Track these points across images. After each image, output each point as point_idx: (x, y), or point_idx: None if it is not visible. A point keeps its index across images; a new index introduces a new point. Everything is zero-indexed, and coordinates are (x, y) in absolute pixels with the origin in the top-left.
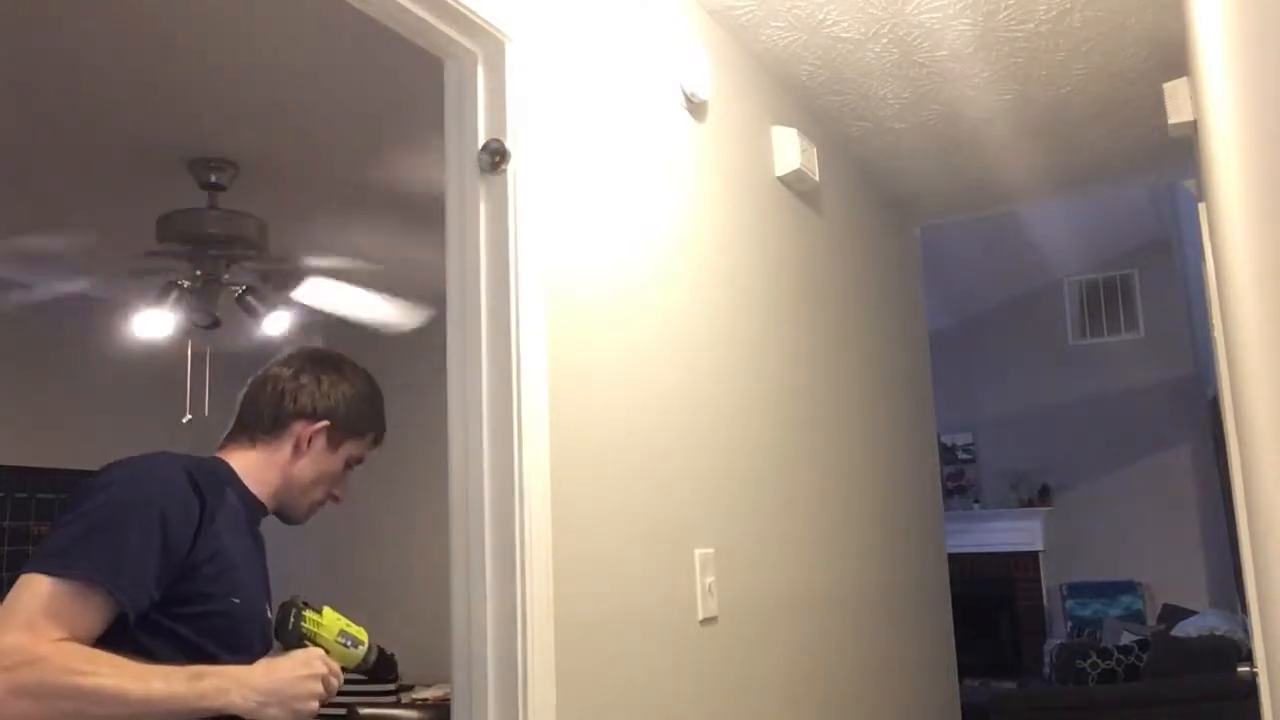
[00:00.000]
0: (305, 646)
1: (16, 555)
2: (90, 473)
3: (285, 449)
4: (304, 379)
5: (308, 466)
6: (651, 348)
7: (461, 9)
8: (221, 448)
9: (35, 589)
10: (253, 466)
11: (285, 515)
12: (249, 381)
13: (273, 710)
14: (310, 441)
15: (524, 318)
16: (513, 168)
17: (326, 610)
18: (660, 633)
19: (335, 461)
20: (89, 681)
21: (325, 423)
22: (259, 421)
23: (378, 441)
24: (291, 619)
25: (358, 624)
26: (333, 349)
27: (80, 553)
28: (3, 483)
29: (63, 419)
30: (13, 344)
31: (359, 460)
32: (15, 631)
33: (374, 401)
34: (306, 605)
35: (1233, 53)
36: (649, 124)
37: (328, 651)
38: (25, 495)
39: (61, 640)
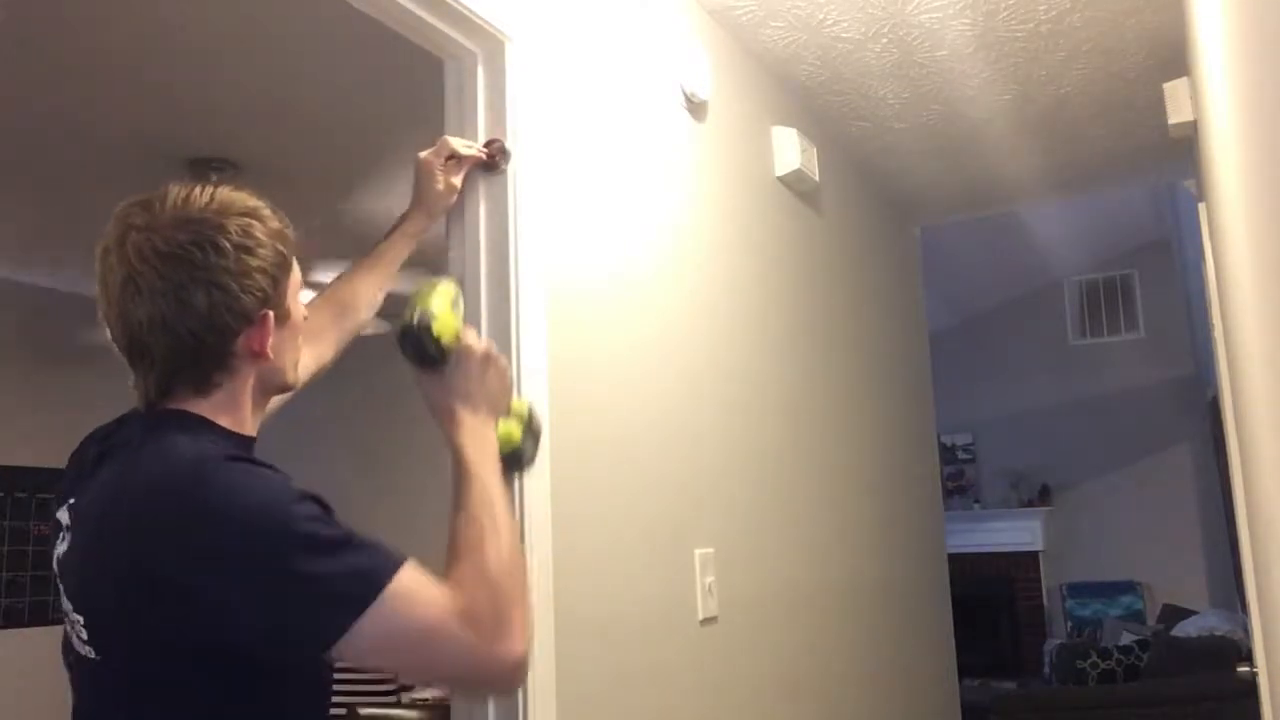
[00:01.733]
0: (449, 356)
1: (16, 555)
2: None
3: (245, 367)
4: (194, 293)
5: (277, 355)
6: (651, 347)
7: (461, 9)
8: (158, 408)
9: (396, 601)
10: (222, 407)
11: (280, 393)
12: (119, 335)
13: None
14: (267, 340)
15: (524, 317)
16: (513, 168)
17: (438, 312)
18: (660, 633)
19: (297, 314)
20: (490, 536)
21: (267, 314)
22: (191, 372)
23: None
24: (434, 348)
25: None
26: (154, 202)
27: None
28: (3, 483)
29: (63, 419)
30: (13, 343)
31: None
32: (435, 603)
33: (266, 219)
34: (429, 320)
35: (1233, 53)
36: (649, 124)
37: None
38: (25, 495)
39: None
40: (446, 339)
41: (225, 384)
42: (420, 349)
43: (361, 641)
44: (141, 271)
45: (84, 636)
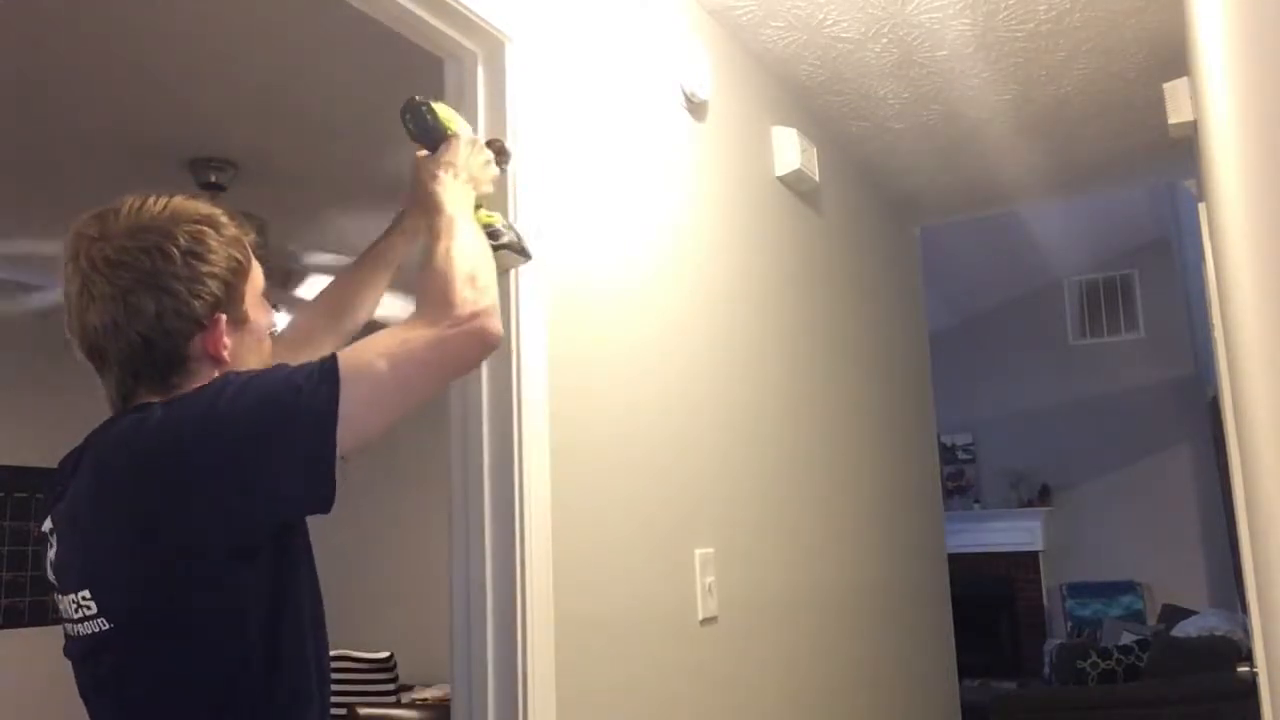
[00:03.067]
0: (445, 137)
1: (16, 555)
2: None
3: (203, 370)
4: (142, 298)
5: (235, 358)
6: (651, 347)
7: (461, 9)
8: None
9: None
10: None
11: None
12: (80, 342)
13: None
14: (221, 343)
15: (524, 317)
16: (513, 167)
17: (438, 106)
18: (660, 632)
19: (258, 319)
20: (457, 257)
21: (219, 317)
22: (149, 375)
23: (261, 234)
24: (429, 117)
25: None
26: (108, 214)
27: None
28: (3, 483)
29: (63, 419)
30: (13, 344)
31: (267, 277)
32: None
33: (222, 227)
34: (430, 100)
35: (1233, 53)
36: (649, 124)
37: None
38: (25, 495)
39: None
40: (443, 117)
41: (185, 386)
42: (420, 118)
43: (356, 411)
44: (94, 279)
45: (92, 611)
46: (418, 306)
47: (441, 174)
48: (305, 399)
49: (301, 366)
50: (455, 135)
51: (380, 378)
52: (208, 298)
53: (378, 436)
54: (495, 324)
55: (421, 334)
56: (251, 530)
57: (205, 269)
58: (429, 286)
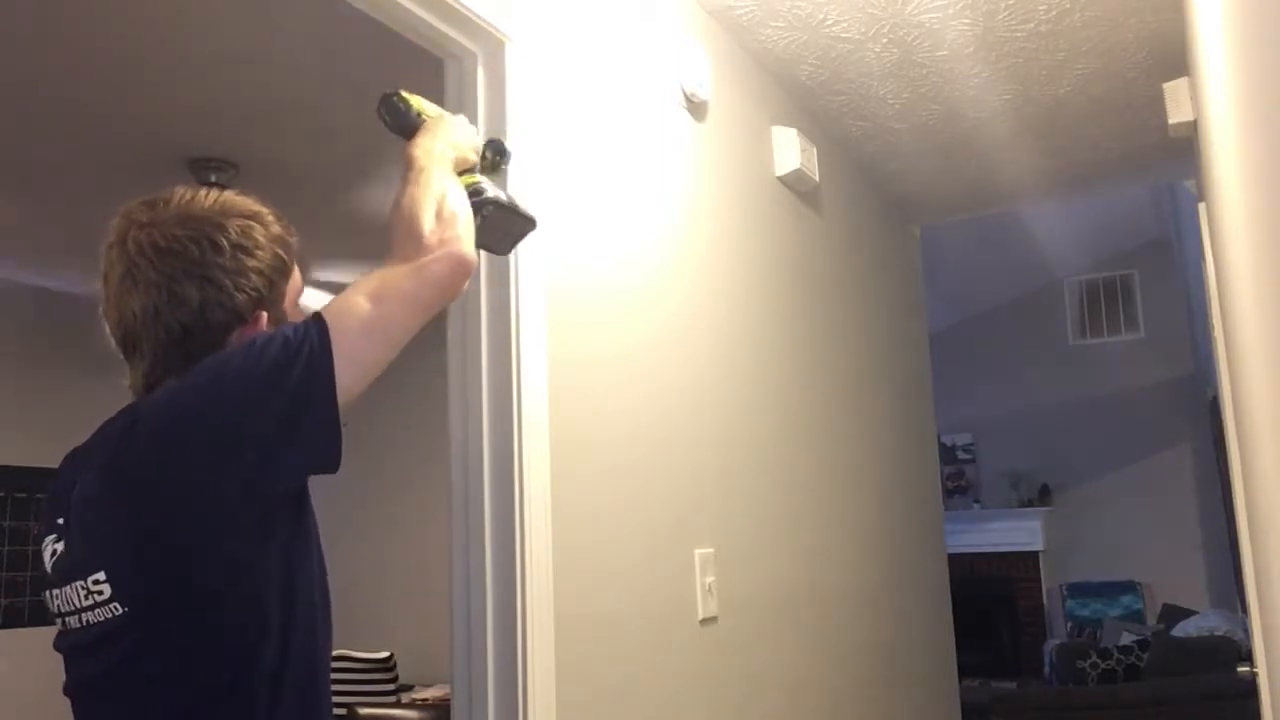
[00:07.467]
0: (421, 124)
1: (16, 555)
2: None
3: None
4: (186, 287)
5: None
6: (651, 347)
7: (461, 9)
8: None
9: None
10: None
11: None
12: (115, 327)
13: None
14: None
15: (524, 317)
16: (512, 168)
17: (409, 95)
18: (660, 632)
19: (294, 320)
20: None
21: (261, 314)
22: (181, 368)
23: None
24: (402, 105)
25: None
26: (159, 201)
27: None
28: (3, 483)
29: (63, 419)
30: (13, 343)
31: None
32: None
33: (269, 224)
34: (401, 90)
35: (1233, 53)
36: (649, 124)
37: None
38: (25, 495)
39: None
40: (417, 105)
41: None
42: (393, 109)
43: (349, 350)
44: (139, 264)
45: (104, 596)
46: (389, 247)
47: (419, 140)
48: (295, 350)
49: (286, 325)
50: (432, 119)
51: (364, 314)
52: (251, 293)
53: (375, 372)
54: (466, 247)
55: (396, 268)
56: (263, 500)
57: (252, 264)
58: (396, 226)
